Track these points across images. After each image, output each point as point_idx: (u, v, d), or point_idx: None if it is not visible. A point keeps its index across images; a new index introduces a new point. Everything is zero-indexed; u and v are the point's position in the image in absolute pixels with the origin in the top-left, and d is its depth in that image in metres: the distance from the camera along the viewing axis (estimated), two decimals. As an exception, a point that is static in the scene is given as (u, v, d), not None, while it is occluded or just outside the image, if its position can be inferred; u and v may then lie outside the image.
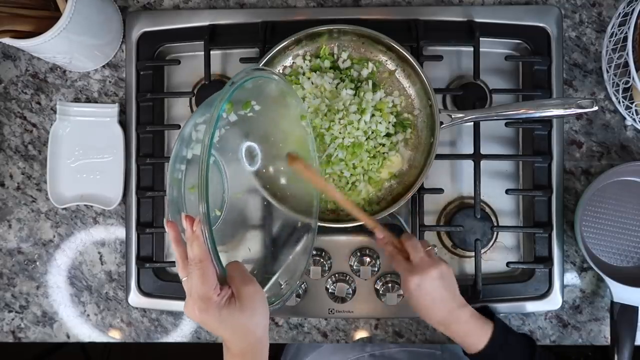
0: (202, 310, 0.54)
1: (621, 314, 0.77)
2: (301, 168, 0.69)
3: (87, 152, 0.84)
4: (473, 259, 0.80)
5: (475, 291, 0.80)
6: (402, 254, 0.70)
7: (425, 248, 0.70)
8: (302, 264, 0.74)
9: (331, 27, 0.77)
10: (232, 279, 0.57)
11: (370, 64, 0.79)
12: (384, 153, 0.78)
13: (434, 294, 0.67)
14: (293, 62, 0.80)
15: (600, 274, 0.78)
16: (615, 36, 0.79)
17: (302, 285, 0.80)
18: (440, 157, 0.79)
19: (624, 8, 0.78)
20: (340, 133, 0.76)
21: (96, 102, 0.87)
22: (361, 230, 0.79)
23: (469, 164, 0.81)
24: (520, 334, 0.73)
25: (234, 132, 0.69)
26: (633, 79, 0.72)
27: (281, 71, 0.80)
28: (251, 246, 0.85)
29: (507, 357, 0.69)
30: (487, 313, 0.74)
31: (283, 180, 0.75)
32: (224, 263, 0.57)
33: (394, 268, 0.71)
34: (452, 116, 0.76)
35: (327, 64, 0.79)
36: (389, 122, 0.77)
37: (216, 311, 0.54)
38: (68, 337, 0.87)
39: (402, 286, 0.70)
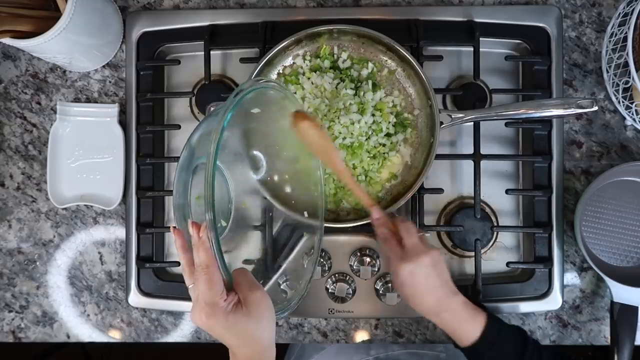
0: (208, 315, 0.54)
1: (621, 314, 0.77)
2: (309, 126, 0.65)
3: (87, 152, 0.84)
4: (473, 259, 0.80)
5: (475, 291, 0.80)
6: (395, 239, 0.69)
7: (418, 233, 0.69)
8: (309, 270, 0.73)
9: (331, 27, 0.77)
10: (238, 285, 0.57)
11: (370, 64, 0.79)
12: (384, 153, 0.78)
13: (426, 281, 0.66)
14: (293, 62, 0.80)
15: (600, 274, 0.78)
16: (615, 36, 0.79)
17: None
18: (440, 157, 0.79)
19: (624, 8, 0.78)
20: (340, 133, 0.76)
21: (96, 102, 0.87)
22: (361, 230, 0.79)
23: (469, 164, 0.81)
24: (512, 325, 0.71)
25: (238, 141, 0.70)
26: (633, 79, 0.72)
27: (281, 71, 0.80)
28: (252, 246, 0.85)
29: (501, 348, 0.67)
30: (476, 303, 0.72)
31: (287, 189, 0.75)
32: (226, 262, 0.57)
33: (384, 252, 0.69)
34: (452, 116, 0.76)
35: (327, 64, 0.79)
36: (389, 122, 0.77)
37: (223, 317, 0.54)
38: (68, 337, 0.87)
39: (393, 273, 0.67)
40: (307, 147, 0.68)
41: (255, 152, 0.73)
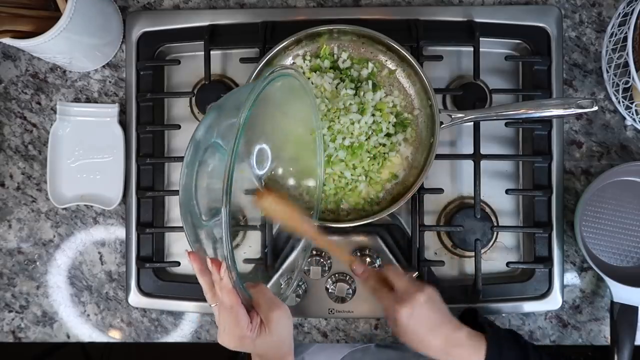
0: (237, 346, 0.59)
1: (621, 314, 0.77)
2: (273, 201, 0.66)
3: (87, 152, 0.84)
4: (473, 259, 0.80)
5: (475, 291, 0.80)
6: (385, 287, 0.67)
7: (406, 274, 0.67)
8: (300, 262, 0.74)
9: (331, 27, 0.77)
10: (258, 305, 0.59)
11: (370, 64, 0.79)
12: (384, 153, 0.78)
13: (428, 320, 0.63)
14: (293, 62, 0.80)
15: (600, 274, 0.78)
16: (615, 36, 0.79)
17: (302, 285, 0.80)
18: (440, 157, 0.79)
19: (623, 8, 0.78)
20: (340, 133, 0.76)
21: (96, 102, 0.87)
22: (361, 230, 0.79)
23: (469, 164, 0.81)
24: (512, 339, 0.68)
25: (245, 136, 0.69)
26: (633, 79, 0.72)
27: (281, 71, 0.80)
28: (252, 246, 0.85)
29: None
30: (474, 318, 0.71)
31: (291, 181, 0.75)
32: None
33: (378, 302, 0.67)
34: (452, 116, 0.76)
35: (327, 64, 0.79)
36: (389, 122, 0.77)
37: (250, 344, 0.59)
38: (68, 337, 0.87)
39: (393, 320, 0.65)
40: (275, 221, 0.70)
41: (263, 146, 0.73)
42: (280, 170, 0.74)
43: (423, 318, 0.63)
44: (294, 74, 0.64)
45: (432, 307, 0.64)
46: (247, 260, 0.81)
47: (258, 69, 0.76)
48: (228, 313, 0.57)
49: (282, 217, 0.68)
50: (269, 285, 0.78)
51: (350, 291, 0.81)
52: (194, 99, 0.86)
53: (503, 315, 0.84)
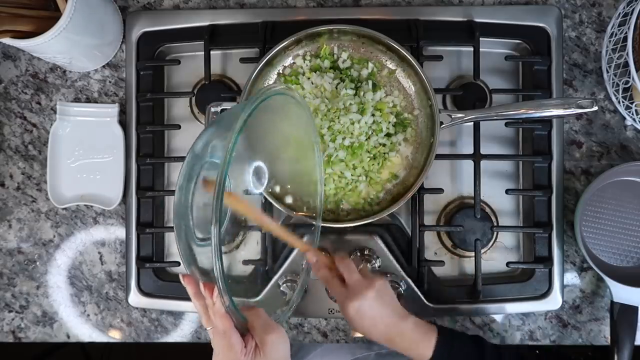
0: None
1: (621, 314, 0.77)
2: (233, 202, 0.66)
3: (87, 152, 0.84)
4: (473, 259, 0.80)
5: (475, 291, 0.80)
6: (337, 278, 0.69)
7: (358, 267, 0.69)
8: (305, 274, 0.73)
9: (331, 27, 0.77)
10: (253, 328, 0.58)
11: (370, 64, 0.79)
12: (384, 153, 0.78)
13: (374, 314, 0.66)
14: (293, 62, 0.80)
15: (600, 274, 0.78)
16: (615, 36, 0.79)
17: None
18: (440, 157, 0.79)
19: (623, 8, 0.78)
20: (340, 133, 0.76)
21: (96, 102, 0.87)
22: (361, 230, 0.79)
23: (469, 164, 0.81)
24: (467, 336, 0.71)
25: (241, 148, 0.69)
26: (633, 79, 0.72)
27: (281, 71, 0.80)
28: (252, 247, 0.85)
29: None
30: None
31: (288, 191, 0.74)
32: (226, 264, 0.57)
33: (330, 293, 0.70)
34: (452, 116, 0.76)
35: (327, 64, 0.79)
36: (389, 122, 0.77)
37: None
38: (68, 337, 0.87)
39: (342, 311, 0.68)
40: (239, 214, 0.69)
41: (257, 163, 0.73)
42: (278, 188, 0.74)
43: (369, 311, 0.66)
44: (287, 91, 0.63)
45: (380, 302, 0.67)
46: (247, 262, 0.81)
47: (258, 69, 0.76)
48: (221, 337, 0.57)
49: (243, 211, 0.69)
50: (268, 287, 0.78)
51: (350, 291, 0.81)
52: (194, 99, 0.86)
53: (503, 315, 0.84)
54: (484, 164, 0.80)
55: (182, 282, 0.59)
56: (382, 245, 0.79)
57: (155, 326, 0.86)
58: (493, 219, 0.84)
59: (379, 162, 0.78)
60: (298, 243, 0.70)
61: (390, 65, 0.80)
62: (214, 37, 0.83)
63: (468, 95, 0.83)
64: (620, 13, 0.78)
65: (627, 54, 0.72)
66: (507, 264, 0.82)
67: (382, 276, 0.69)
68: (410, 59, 0.76)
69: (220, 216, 0.49)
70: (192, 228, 0.58)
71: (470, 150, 0.81)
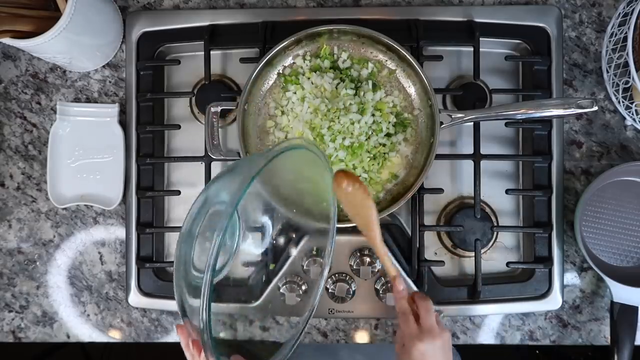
0: None
1: (621, 314, 0.77)
2: (353, 186, 0.61)
3: (87, 152, 0.84)
4: (473, 259, 0.80)
5: (476, 291, 0.80)
6: (413, 314, 0.67)
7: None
8: (319, 285, 0.72)
9: (331, 27, 0.77)
10: None
11: (370, 64, 0.79)
12: (384, 153, 0.78)
13: None
14: (293, 62, 0.80)
15: (600, 274, 0.78)
16: (615, 36, 0.79)
17: (303, 286, 0.80)
18: (440, 157, 0.79)
19: (623, 8, 0.78)
20: (340, 133, 0.76)
21: (96, 102, 0.87)
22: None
23: (469, 164, 0.81)
24: None
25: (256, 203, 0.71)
26: (633, 79, 0.72)
27: (281, 71, 0.80)
28: (252, 248, 0.85)
29: None
30: None
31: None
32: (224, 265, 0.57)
33: (400, 324, 0.68)
34: (452, 116, 0.76)
35: (327, 64, 0.79)
36: (389, 122, 0.77)
37: None
38: (68, 337, 0.87)
39: (404, 347, 0.66)
40: (346, 210, 0.65)
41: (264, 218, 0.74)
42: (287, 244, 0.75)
43: (431, 357, 0.65)
44: (306, 145, 0.59)
45: (443, 353, 0.66)
46: (247, 264, 0.81)
47: (258, 69, 0.76)
48: None
49: (358, 205, 0.63)
50: (268, 289, 0.78)
51: (350, 291, 0.81)
52: (194, 99, 0.86)
53: (503, 315, 0.84)
54: (484, 164, 0.80)
55: (177, 332, 0.61)
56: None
57: (155, 326, 0.86)
58: (493, 219, 0.84)
59: (379, 162, 0.78)
60: (391, 268, 0.68)
61: (390, 65, 0.80)
62: (214, 37, 0.83)
63: (468, 95, 0.83)
64: (620, 13, 0.78)
65: (627, 54, 0.72)
66: (507, 264, 0.82)
67: (450, 330, 0.69)
68: (410, 59, 0.76)
69: (211, 294, 0.49)
70: (188, 279, 0.57)
71: (470, 150, 0.81)
